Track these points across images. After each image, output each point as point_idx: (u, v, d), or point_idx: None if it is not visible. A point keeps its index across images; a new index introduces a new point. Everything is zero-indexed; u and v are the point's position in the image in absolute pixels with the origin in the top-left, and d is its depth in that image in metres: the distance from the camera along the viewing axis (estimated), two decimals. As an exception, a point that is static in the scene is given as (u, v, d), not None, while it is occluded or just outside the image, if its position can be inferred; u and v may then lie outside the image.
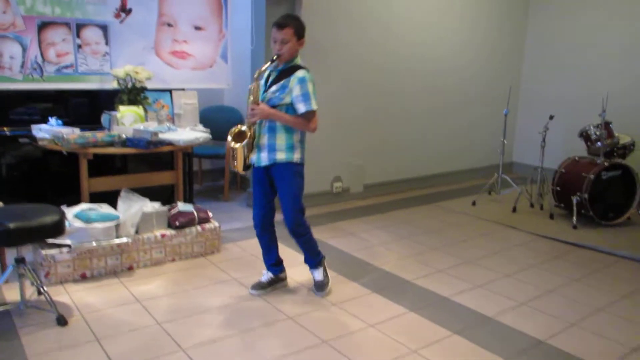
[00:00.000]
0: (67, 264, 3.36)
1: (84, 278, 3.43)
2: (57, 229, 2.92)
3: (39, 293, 3.09)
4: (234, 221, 4.70)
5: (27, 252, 3.15)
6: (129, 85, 4.21)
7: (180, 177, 4.28)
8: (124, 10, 4.34)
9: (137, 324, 2.91)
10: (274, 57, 3.05)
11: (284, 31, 3.03)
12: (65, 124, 4.09)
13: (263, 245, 3.42)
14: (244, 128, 3.16)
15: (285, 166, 3.15)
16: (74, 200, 3.83)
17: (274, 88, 3.10)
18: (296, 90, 3.05)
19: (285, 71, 3.11)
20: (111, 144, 3.83)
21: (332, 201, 5.38)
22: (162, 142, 3.92)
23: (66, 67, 4.19)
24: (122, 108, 4.12)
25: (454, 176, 6.47)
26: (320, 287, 3.37)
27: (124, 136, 3.88)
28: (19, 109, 4.47)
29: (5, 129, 4.32)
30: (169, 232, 3.75)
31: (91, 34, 4.25)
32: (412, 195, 5.85)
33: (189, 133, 4.20)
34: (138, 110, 4.16)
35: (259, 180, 3.25)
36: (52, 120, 4.10)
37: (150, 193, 3.97)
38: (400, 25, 5.55)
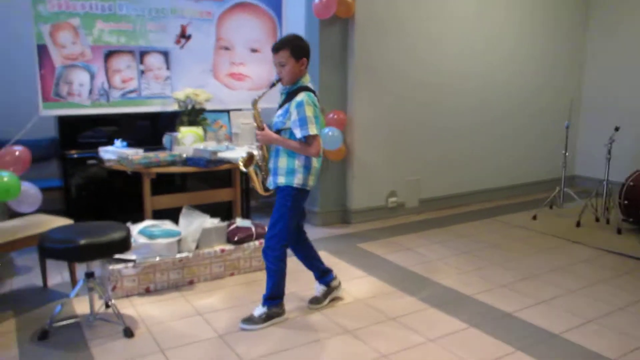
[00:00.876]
0: (133, 278, 3.49)
1: (148, 292, 3.55)
2: (124, 244, 3.06)
3: (107, 306, 3.22)
4: (290, 237, 4.75)
5: (96, 267, 3.30)
6: (189, 107, 4.38)
7: (238, 194, 4.39)
8: (184, 36, 4.54)
9: (199, 337, 2.98)
10: (275, 82, 3.06)
11: (280, 54, 2.96)
12: (130, 145, 4.29)
13: (302, 261, 3.43)
14: (255, 152, 3.19)
15: (283, 190, 3.08)
16: (138, 218, 3.99)
17: (279, 112, 3.08)
18: (294, 115, 2.97)
19: (291, 94, 3.03)
20: (173, 163, 3.98)
21: (388, 216, 5.35)
22: (221, 161, 4.04)
23: (130, 91, 4.40)
24: (182, 129, 4.29)
25: (512, 190, 6.31)
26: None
27: (184, 156, 4.04)
28: (87, 132, 4.73)
29: (74, 152, 4.58)
30: (228, 247, 3.84)
31: (153, 60, 4.47)
32: (469, 210, 5.75)
33: (246, 151, 4.30)
34: (198, 130, 4.31)
35: (276, 203, 3.18)
36: (118, 143, 4.31)
37: (209, 210, 4.08)
38: (456, 40, 5.52)
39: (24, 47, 4.12)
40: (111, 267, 3.43)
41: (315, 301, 3.37)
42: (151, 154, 3.96)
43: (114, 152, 4.11)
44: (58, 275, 3.82)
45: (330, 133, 4.72)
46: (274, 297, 3.17)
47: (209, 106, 4.53)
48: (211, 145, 4.28)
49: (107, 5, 4.18)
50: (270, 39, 4.92)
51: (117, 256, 3.40)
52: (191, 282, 3.70)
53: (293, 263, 4.09)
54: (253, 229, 3.97)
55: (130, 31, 4.32)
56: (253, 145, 4.72)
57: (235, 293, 3.58)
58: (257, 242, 3.94)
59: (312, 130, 2.95)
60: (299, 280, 3.77)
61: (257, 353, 2.81)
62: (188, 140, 4.24)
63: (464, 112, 5.74)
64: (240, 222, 4.04)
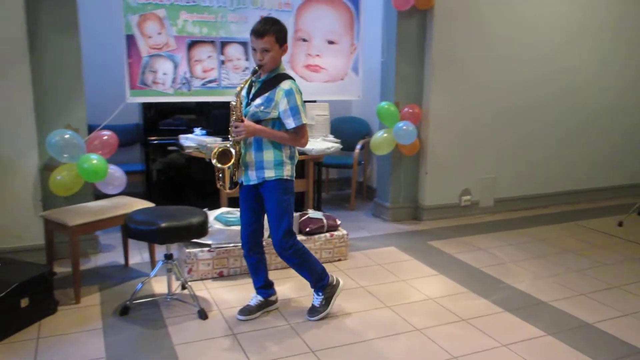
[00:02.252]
0: (207, 262, 3.60)
1: (221, 276, 3.65)
2: (202, 229, 3.16)
3: (183, 287, 3.35)
4: (360, 230, 4.75)
5: (174, 249, 3.43)
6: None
7: (310, 185, 4.43)
8: (264, 27, 4.60)
9: (270, 323, 3.04)
10: (256, 68, 2.83)
11: (265, 39, 2.75)
12: (208, 134, 4.42)
13: (250, 266, 3.15)
14: (228, 146, 2.90)
15: (275, 183, 2.90)
16: (213, 204, 4.11)
17: (258, 101, 2.85)
18: (283, 104, 2.81)
19: (269, 81, 2.86)
20: (249, 152, 4.06)
21: (460, 214, 5.23)
22: (296, 151, 4.08)
23: (210, 81, 4.52)
24: (259, 119, 4.36)
25: (595, 193, 5.98)
26: (311, 311, 3.12)
27: (260, 145, 4.10)
28: (168, 120, 4.92)
29: (155, 138, 4.78)
30: (300, 237, 3.87)
31: (233, 51, 4.56)
32: (547, 212, 5.51)
33: (320, 143, 4.34)
34: (274, 120, 4.37)
35: (247, 198, 3.02)
36: (197, 130, 4.45)
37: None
38: (539, 38, 5.28)
39: (115, 37, 4.32)
40: (188, 250, 3.55)
41: (247, 311, 3.08)
42: (228, 143, 4.05)
43: (194, 140, 4.25)
44: (138, 255, 4.00)
45: (404, 127, 4.66)
46: (320, 280, 3.11)
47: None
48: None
49: (192, -3, 4.31)
50: (348, 31, 4.90)
51: (194, 240, 3.52)
52: (262, 270, 3.77)
53: (374, 258, 4.11)
54: (325, 221, 3.99)
55: (212, 22, 4.43)
56: (330, 136, 4.75)
57: (305, 282, 3.59)
58: (328, 234, 3.96)
59: (304, 119, 2.85)
60: (367, 275, 3.76)
61: (326, 344, 2.83)
62: (264, 130, 4.31)
63: (546, 110, 5.49)
64: (312, 213, 4.07)
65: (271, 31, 2.76)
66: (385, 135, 4.79)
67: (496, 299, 3.42)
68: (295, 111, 2.82)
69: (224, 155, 2.89)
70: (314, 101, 4.86)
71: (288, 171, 2.95)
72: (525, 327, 3.06)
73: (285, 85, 2.83)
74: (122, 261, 3.85)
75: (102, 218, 3.39)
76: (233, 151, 2.89)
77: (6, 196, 3.58)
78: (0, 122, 3.50)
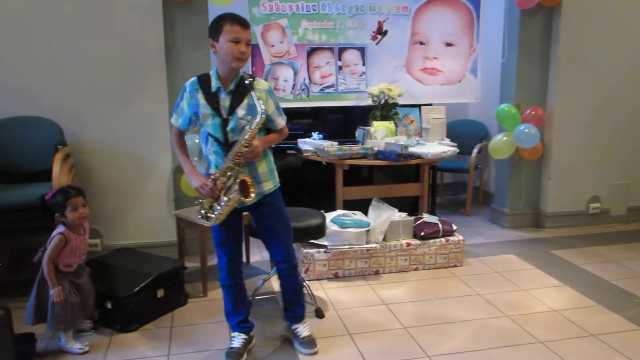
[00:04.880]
0: (323, 263, 3.70)
1: (336, 277, 3.73)
2: (320, 231, 3.28)
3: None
4: (476, 236, 4.62)
5: (292, 249, 3.56)
6: (382, 101, 4.48)
7: (425, 189, 4.38)
8: (380, 32, 4.65)
9: (385, 326, 3.06)
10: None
11: (248, 32, 2.42)
12: (325, 138, 4.54)
13: (237, 297, 2.74)
14: (242, 176, 2.47)
15: (273, 194, 2.68)
16: (328, 206, 4.21)
17: (241, 112, 2.45)
18: (271, 105, 2.56)
19: (242, 85, 2.46)
20: (364, 156, 4.13)
21: (587, 223, 4.90)
22: (412, 155, 4.08)
23: (328, 87, 4.64)
24: (375, 123, 4.41)
25: None
26: (309, 343, 2.78)
27: (376, 149, 4.15)
28: (288, 124, 5.11)
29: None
30: (414, 241, 3.86)
31: (351, 56, 4.65)
32: (690, 224, 5.01)
33: (436, 147, 4.29)
34: (389, 125, 4.40)
35: (237, 221, 2.66)
36: (315, 135, 4.59)
37: (394, 203, 4.11)
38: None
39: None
40: (305, 250, 3.68)
41: (236, 355, 2.67)
42: (345, 147, 4.15)
43: (311, 144, 4.39)
44: (259, 253, 4.20)
45: (526, 130, 4.47)
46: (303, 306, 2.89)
47: (401, 101, 4.58)
48: (402, 139, 4.34)
49: (312, 5, 4.45)
50: (467, 32, 4.80)
51: (311, 241, 3.64)
52: (377, 272, 3.81)
53: (491, 266, 3.99)
54: (440, 226, 3.94)
55: (331, 29, 4.55)
56: (446, 140, 4.66)
57: (420, 288, 3.59)
58: (443, 239, 3.90)
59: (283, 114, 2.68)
60: (484, 283, 3.66)
61: (442, 350, 2.80)
62: (380, 134, 4.35)
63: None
64: (427, 217, 4.03)
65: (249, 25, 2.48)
66: (504, 138, 4.62)
67: (630, 315, 3.16)
68: (280, 109, 2.66)
69: (244, 186, 2.48)
70: (430, 104, 4.81)
71: (277, 176, 2.74)
72: (664, 348, 2.82)
73: (263, 84, 2.54)
74: (244, 259, 4.07)
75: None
76: (250, 179, 2.50)
77: (145, 196, 3.94)
78: (141, 127, 3.85)
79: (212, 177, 2.49)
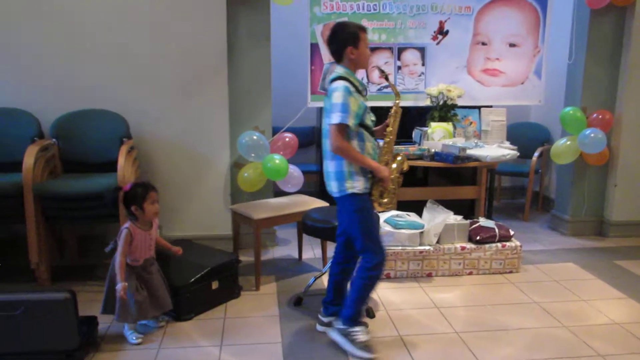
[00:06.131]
0: (376, 263, 3.69)
1: (388, 278, 3.71)
2: (373, 230, 3.25)
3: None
4: (534, 242, 4.48)
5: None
6: (441, 102, 4.42)
7: (483, 193, 4.30)
8: (442, 32, 4.58)
9: (436, 329, 3.02)
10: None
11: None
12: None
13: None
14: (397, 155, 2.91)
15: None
16: (384, 207, 4.19)
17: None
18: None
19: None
20: (421, 157, 4.09)
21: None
22: (469, 158, 4.00)
23: (386, 87, 4.61)
24: (432, 124, 4.36)
25: None
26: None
27: (433, 150, 4.10)
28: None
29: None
30: (469, 245, 3.79)
31: (410, 56, 4.61)
32: None
33: (495, 150, 4.19)
34: (447, 126, 4.34)
35: None
36: (371, 134, 4.57)
37: (449, 206, 4.05)
38: None
39: (300, 46, 4.61)
40: (358, 249, 3.68)
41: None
42: (402, 147, 4.11)
43: (367, 143, 4.37)
44: (311, 250, 4.24)
45: (592, 135, 4.30)
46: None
47: (460, 102, 4.50)
48: (460, 141, 4.26)
49: (372, 5, 4.44)
50: (532, 32, 4.66)
51: (364, 240, 3.63)
52: (429, 275, 3.76)
53: (548, 273, 3.87)
54: (496, 230, 3.84)
55: (391, 29, 4.52)
56: (505, 142, 4.55)
57: (473, 293, 3.52)
58: (499, 244, 3.81)
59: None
60: (541, 291, 3.55)
61: (494, 357, 2.73)
62: (437, 136, 4.30)
63: None
64: (483, 221, 3.95)
65: None
66: (568, 142, 4.46)
67: (699, 333, 3.00)
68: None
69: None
70: (490, 106, 4.70)
71: None
72: None
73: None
74: (296, 255, 4.12)
75: (282, 214, 3.66)
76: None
77: (202, 189, 4.05)
78: (201, 123, 3.96)
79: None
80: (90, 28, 3.78)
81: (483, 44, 4.66)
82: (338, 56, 2.73)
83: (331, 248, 3.63)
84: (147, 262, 2.90)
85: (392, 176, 2.79)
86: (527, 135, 5.51)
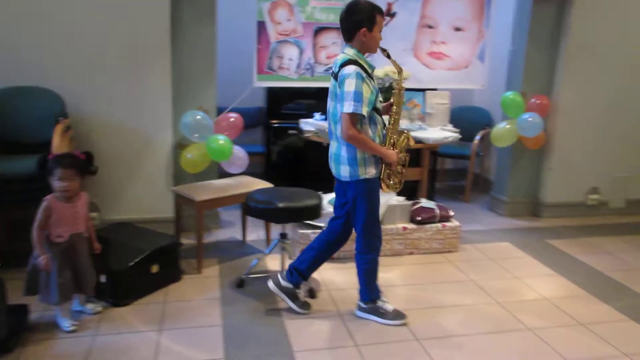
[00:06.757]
0: (320, 244, 3.72)
1: (331, 258, 3.73)
2: (316, 212, 3.28)
3: (295, 266, 3.50)
4: (474, 223, 4.63)
5: (288, 229, 3.58)
6: (387, 85, 4.45)
7: (425, 175, 4.39)
8: (389, 14, 4.60)
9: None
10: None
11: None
12: (327, 118, 4.51)
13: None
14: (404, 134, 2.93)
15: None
16: (328, 188, 4.21)
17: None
18: None
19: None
20: (365, 138, 4.11)
21: (585, 214, 4.90)
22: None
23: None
24: (377, 106, 4.39)
25: None
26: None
27: (377, 132, 4.13)
28: (289, 104, 5.11)
29: (277, 121, 4.99)
30: (411, 226, 3.87)
31: (357, 37, 4.60)
32: (689, 218, 5.00)
33: (438, 132, 4.28)
34: (392, 108, 4.38)
35: None
36: (317, 115, 4.58)
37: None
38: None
39: (246, 23, 4.52)
40: (301, 231, 3.70)
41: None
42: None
43: (313, 124, 4.39)
44: (255, 232, 4.22)
45: (530, 119, 4.45)
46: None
47: (406, 85, 4.54)
48: (404, 124, 4.32)
49: (320, -16, 4.41)
50: (477, 17, 4.74)
51: (307, 222, 3.66)
52: (372, 255, 3.82)
53: (486, 252, 4.01)
54: (437, 211, 3.94)
55: (339, 8, 4.47)
56: (448, 125, 4.63)
57: (413, 272, 3.62)
58: (440, 225, 3.91)
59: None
60: (478, 269, 3.68)
61: (432, 334, 2.83)
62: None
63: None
64: (425, 202, 4.04)
65: None
66: (508, 126, 4.60)
67: (621, 306, 3.19)
68: None
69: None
70: (435, 89, 4.78)
71: None
72: (652, 340, 2.84)
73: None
74: (240, 237, 4.10)
75: (226, 195, 3.63)
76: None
77: (144, 171, 3.95)
78: (142, 102, 3.85)
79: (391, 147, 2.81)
80: (27, 2, 3.59)
81: (429, 27, 4.72)
82: (349, 36, 2.69)
83: (275, 229, 3.66)
84: (75, 239, 2.73)
85: (400, 155, 2.82)
86: (469, 119, 5.65)
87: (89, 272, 2.83)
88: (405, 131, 2.95)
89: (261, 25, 4.41)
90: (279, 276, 3.06)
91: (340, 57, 2.70)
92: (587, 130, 4.73)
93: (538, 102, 4.56)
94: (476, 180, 5.77)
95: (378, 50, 2.77)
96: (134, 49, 3.77)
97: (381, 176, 2.79)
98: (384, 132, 2.83)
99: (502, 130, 4.63)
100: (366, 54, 2.74)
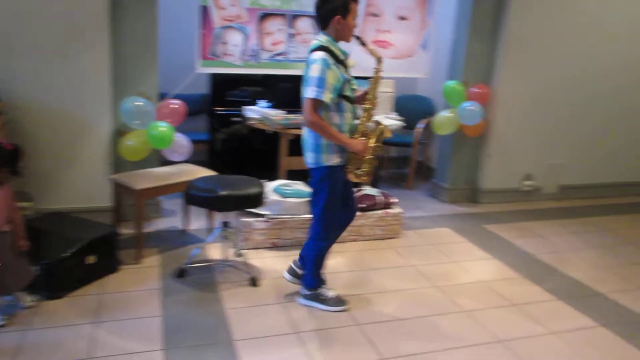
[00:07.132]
0: (262, 232, 3.72)
1: (274, 246, 3.76)
2: (259, 200, 3.27)
3: (238, 255, 3.48)
4: (416, 210, 4.73)
5: (231, 217, 3.56)
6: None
7: (368, 162, 4.43)
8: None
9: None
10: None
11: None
12: (273, 106, 4.50)
13: None
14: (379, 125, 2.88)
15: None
16: (272, 176, 4.21)
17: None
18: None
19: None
20: (309, 126, 4.12)
21: (520, 199, 5.10)
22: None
23: (279, 54, 4.58)
24: (321, 93, 4.39)
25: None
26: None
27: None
28: (234, 91, 5.05)
29: (221, 108, 4.92)
30: (354, 213, 3.92)
31: (303, 25, 4.58)
32: (615, 202, 5.27)
33: (382, 120, 4.31)
34: (335, 96, 4.39)
35: None
36: (262, 103, 4.54)
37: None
38: (615, 24, 4.97)
39: (189, 8, 4.42)
40: (244, 219, 3.68)
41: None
42: (291, 116, 4.13)
43: (258, 112, 4.36)
44: (197, 221, 4.16)
45: (470, 107, 4.56)
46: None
47: (351, 73, 4.56)
48: (347, 111, 4.34)
49: (264, -31, 4.35)
50: (421, 6, 4.80)
51: (250, 210, 3.64)
52: (316, 242, 3.85)
53: (427, 238, 4.10)
54: (380, 198, 4.01)
55: (283, -5, 4.47)
56: (393, 114, 4.70)
57: (356, 258, 3.67)
58: (382, 212, 3.98)
59: None
60: (418, 255, 3.77)
61: (372, 318, 2.89)
62: (326, 105, 4.34)
63: (620, 98, 5.20)
64: (368, 190, 4.09)
65: None
66: (449, 114, 4.71)
67: (550, 287, 3.35)
68: None
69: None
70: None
71: None
72: (577, 317, 3.00)
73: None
74: (181, 226, 4.04)
75: (166, 184, 3.56)
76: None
77: (80, 158, 3.81)
78: (79, 87, 3.71)
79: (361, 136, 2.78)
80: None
81: (374, 15, 4.74)
82: (323, 23, 2.69)
83: (219, 218, 3.61)
84: None
85: (371, 145, 2.79)
86: (413, 107, 5.74)
87: (17, 270, 2.69)
88: (382, 123, 2.90)
89: (205, 10, 4.31)
90: (292, 265, 3.11)
91: (313, 44, 2.73)
92: (523, 119, 4.91)
93: (478, 91, 4.68)
94: (419, 167, 5.89)
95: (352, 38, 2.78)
96: (69, 30, 3.61)
97: (348, 164, 2.80)
98: (356, 121, 2.82)
99: (443, 119, 4.74)
100: (340, 41, 2.75)
